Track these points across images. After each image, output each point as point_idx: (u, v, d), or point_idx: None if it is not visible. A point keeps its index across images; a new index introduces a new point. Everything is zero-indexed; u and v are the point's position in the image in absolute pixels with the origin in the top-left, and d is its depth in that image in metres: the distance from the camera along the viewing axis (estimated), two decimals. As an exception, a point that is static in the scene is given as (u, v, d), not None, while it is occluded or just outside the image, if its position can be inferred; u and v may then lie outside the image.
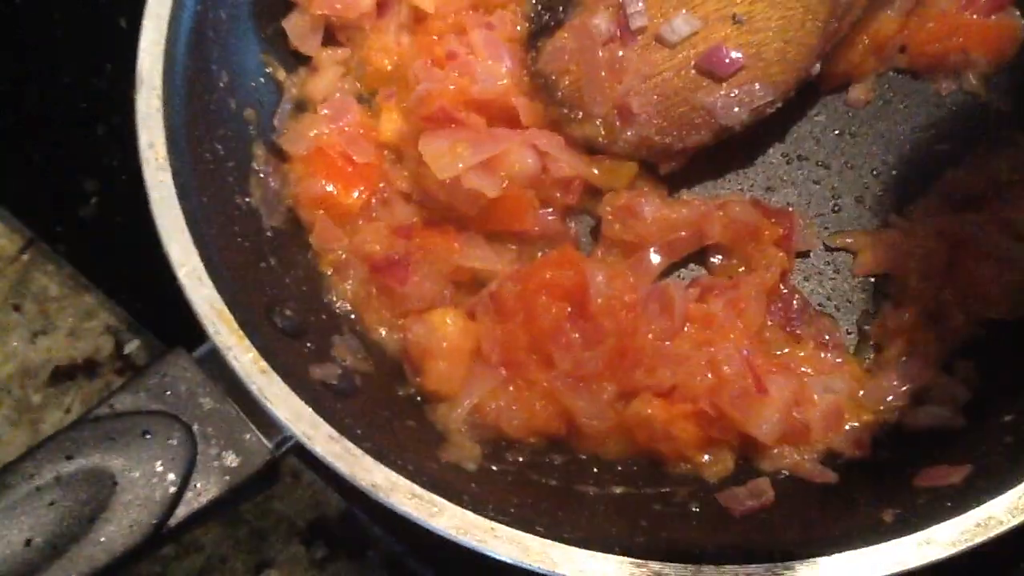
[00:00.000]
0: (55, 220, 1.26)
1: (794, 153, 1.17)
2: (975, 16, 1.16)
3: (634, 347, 1.01)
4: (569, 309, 1.02)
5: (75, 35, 1.34)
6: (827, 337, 1.07)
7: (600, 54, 1.10)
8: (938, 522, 0.85)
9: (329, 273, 1.09)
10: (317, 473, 1.12)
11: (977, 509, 0.84)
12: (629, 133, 1.10)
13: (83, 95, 1.32)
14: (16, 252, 1.25)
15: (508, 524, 0.86)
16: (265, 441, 0.92)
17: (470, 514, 0.86)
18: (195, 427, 0.91)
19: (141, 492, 0.87)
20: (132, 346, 1.21)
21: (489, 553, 0.85)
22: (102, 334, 1.21)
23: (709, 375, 1.00)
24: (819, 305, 1.11)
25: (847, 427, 1.02)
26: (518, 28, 1.16)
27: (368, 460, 0.88)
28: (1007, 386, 1.00)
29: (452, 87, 1.08)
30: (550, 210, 1.11)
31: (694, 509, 0.97)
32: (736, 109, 1.09)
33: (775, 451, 1.00)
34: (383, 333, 1.07)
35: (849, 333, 1.10)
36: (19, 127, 1.32)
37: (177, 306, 0.94)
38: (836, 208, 1.14)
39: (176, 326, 0.97)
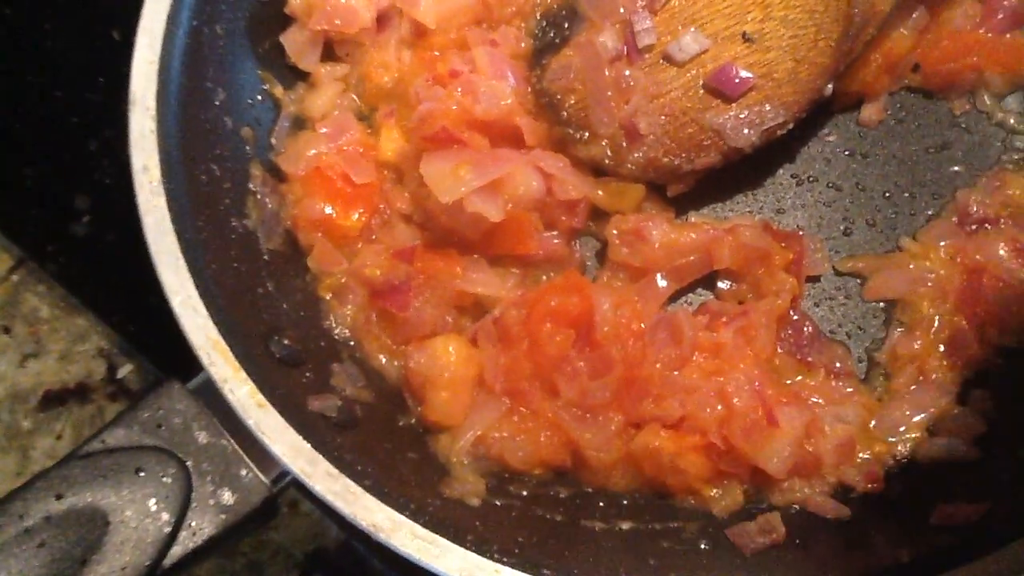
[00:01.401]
0: (46, 238, 1.23)
1: (804, 174, 1.14)
2: (990, 34, 1.13)
3: (642, 377, 0.99)
4: (575, 337, 1.00)
5: (67, 48, 1.31)
6: (838, 365, 1.05)
7: (606, 72, 1.08)
8: (956, 565, 0.83)
9: (328, 298, 1.06)
10: (315, 504, 1.09)
11: (997, 552, 0.82)
12: (636, 154, 1.07)
13: (75, 109, 1.29)
14: (6, 272, 1.22)
15: (513, 566, 0.84)
16: (262, 477, 0.89)
17: (473, 555, 0.84)
18: (190, 463, 0.88)
19: (134, 532, 0.84)
20: (125, 370, 1.18)
21: (494, 596, 0.83)
22: (94, 357, 1.18)
23: (719, 406, 0.97)
24: (830, 332, 1.08)
25: (859, 459, 1.00)
26: (522, 45, 1.13)
27: (369, 499, 0.85)
28: (1025, 418, 0.98)
29: (454, 107, 1.05)
30: (555, 233, 1.08)
31: (703, 546, 0.94)
32: (746, 130, 1.06)
33: (785, 484, 0.98)
34: (383, 360, 1.05)
35: (860, 361, 1.07)
36: (8, 142, 1.29)
37: (171, 329, 0.92)
38: (847, 231, 1.12)
39: (171, 350, 0.94)
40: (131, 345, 1.18)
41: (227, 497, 0.88)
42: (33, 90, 1.30)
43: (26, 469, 1.12)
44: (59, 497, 0.84)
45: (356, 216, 1.08)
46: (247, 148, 1.08)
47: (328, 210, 1.07)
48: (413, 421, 1.02)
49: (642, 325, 1.01)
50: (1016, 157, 1.12)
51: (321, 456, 0.87)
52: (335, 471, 0.86)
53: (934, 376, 1.04)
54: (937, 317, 1.05)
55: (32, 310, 1.20)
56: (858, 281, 1.10)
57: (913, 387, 1.04)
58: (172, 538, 0.85)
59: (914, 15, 1.12)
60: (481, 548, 0.85)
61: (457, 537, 0.85)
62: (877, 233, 1.11)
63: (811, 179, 1.14)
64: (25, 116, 1.30)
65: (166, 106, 0.99)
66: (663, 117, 1.07)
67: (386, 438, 0.98)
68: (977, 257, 1.06)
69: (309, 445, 0.87)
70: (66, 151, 1.28)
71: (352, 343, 1.05)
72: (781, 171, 1.14)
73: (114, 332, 1.18)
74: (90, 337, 1.19)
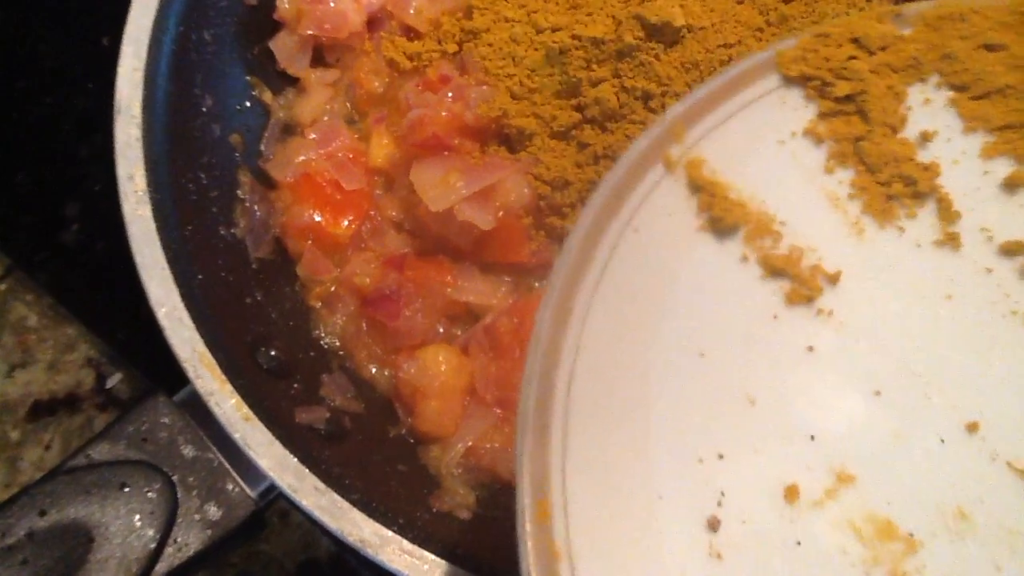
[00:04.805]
0: (35, 247, 1.22)
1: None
2: None
3: (635, 386, 0.97)
4: (567, 346, 0.98)
5: (56, 54, 1.30)
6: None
7: (599, 76, 1.06)
8: None
9: (318, 307, 1.05)
10: (305, 516, 1.08)
11: None
12: (630, 159, 1.06)
13: (65, 116, 1.27)
14: (-6, 281, 1.21)
15: (503, 582, 0.82)
16: (249, 491, 0.88)
17: (462, 572, 0.83)
18: (175, 477, 0.87)
19: (118, 548, 0.83)
20: (114, 380, 1.16)
21: (484, 613, 0.82)
22: (83, 367, 1.17)
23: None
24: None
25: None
26: (513, 50, 1.11)
27: (356, 514, 0.84)
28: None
29: (445, 113, 1.04)
30: (547, 241, 1.06)
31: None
32: (741, 135, 1.04)
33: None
34: (373, 370, 1.03)
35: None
36: (-3, 148, 1.28)
37: (161, 339, 0.91)
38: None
39: (160, 360, 0.93)
40: (120, 355, 1.17)
41: (213, 512, 0.87)
42: (23, 96, 1.29)
43: (14, 480, 1.11)
44: (42, 514, 0.83)
45: (346, 223, 1.07)
46: (236, 155, 1.07)
47: (318, 217, 1.06)
48: (404, 432, 1.00)
49: (635, 334, 0.99)
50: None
51: (308, 471, 0.86)
52: (322, 485, 0.85)
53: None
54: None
55: (20, 319, 1.19)
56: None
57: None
58: (157, 554, 0.84)
59: None
60: (470, 563, 0.84)
61: (446, 552, 0.84)
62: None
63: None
64: (14, 122, 1.29)
65: (153, 114, 0.98)
66: (657, 121, 1.06)
67: (376, 450, 0.97)
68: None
69: (296, 459, 0.86)
70: (56, 158, 1.26)
71: (342, 353, 1.04)
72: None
73: (103, 342, 1.17)
74: (79, 347, 1.17)
